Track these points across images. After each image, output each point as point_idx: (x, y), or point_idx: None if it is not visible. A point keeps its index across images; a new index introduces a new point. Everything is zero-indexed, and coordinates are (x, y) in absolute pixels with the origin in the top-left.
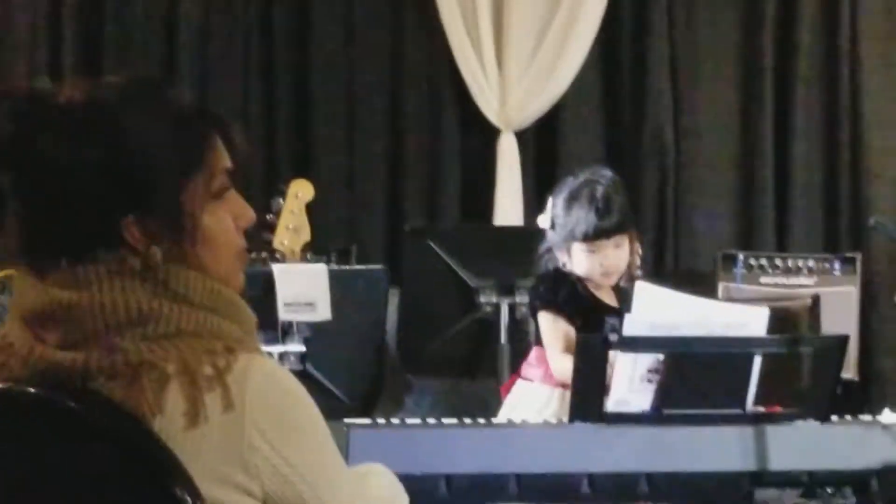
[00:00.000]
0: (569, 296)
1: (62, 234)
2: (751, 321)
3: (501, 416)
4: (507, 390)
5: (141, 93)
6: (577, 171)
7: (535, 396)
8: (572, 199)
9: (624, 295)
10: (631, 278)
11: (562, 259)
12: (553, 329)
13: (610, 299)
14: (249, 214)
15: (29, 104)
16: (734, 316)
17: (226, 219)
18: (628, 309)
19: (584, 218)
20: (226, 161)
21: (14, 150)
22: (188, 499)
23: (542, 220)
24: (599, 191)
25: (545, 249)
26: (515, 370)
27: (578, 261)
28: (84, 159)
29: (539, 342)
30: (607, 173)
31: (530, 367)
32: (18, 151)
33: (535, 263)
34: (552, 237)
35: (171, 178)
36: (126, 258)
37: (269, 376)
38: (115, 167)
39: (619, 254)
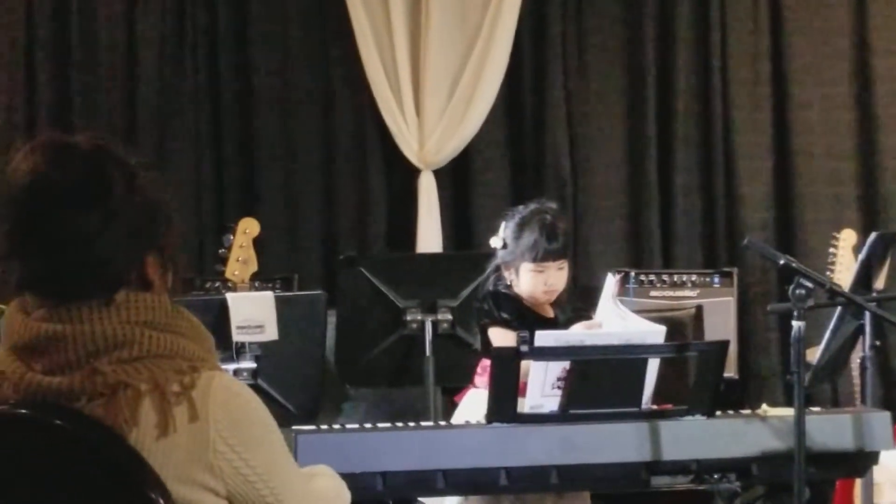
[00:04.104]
0: (512, 311)
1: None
2: (648, 339)
3: (455, 419)
4: (461, 398)
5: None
6: (527, 202)
7: (483, 401)
8: (524, 225)
9: (562, 306)
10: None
11: (509, 278)
12: (503, 341)
13: (547, 312)
14: None
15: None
16: (635, 335)
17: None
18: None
19: (534, 242)
20: None
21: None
22: (160, 500)
23: (494, 241)
24: (548, 219)
25: (493, 268)
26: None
27: (525, 280)
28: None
29: (486, 354)
30: (553, 206)
31: (479, 376)
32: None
33: (483, 281)
34: (503, 256)
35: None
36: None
37: (229, 390)
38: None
39: (560, 275)
